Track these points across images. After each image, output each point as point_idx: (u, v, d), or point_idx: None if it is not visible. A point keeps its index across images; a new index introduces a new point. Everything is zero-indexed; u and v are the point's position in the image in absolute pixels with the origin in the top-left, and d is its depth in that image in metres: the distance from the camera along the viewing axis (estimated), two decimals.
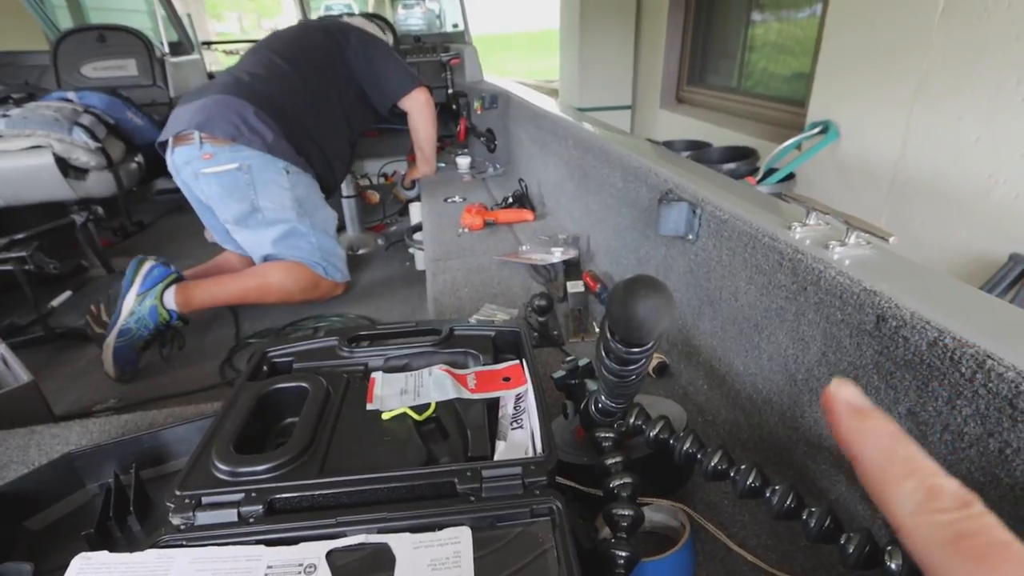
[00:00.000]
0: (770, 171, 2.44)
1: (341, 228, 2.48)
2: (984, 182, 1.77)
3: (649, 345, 0.33)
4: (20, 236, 1.78)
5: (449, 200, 1.79)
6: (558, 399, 0.64)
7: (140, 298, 1.50)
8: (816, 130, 2.41)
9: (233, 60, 2.18)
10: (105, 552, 0.43)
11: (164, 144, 1.60)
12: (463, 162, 2.15)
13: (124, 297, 1.48)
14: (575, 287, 1.05)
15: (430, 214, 1.67)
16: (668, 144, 2.96)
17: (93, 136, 1.97)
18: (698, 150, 2.95)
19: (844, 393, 0.21)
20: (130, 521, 0.59)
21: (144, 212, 2.79)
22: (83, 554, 0.42)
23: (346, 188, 2.21)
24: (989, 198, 1.76)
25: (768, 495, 0.45)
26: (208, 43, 3.71)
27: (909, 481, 0.18)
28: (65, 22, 3.51)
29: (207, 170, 1.54)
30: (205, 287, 1.62)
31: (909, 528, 0.17)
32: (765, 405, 0.63)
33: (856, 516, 0.51)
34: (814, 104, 2.47)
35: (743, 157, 2.73)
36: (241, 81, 1.60)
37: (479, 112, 2.28)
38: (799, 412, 0.58)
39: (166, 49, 2.90)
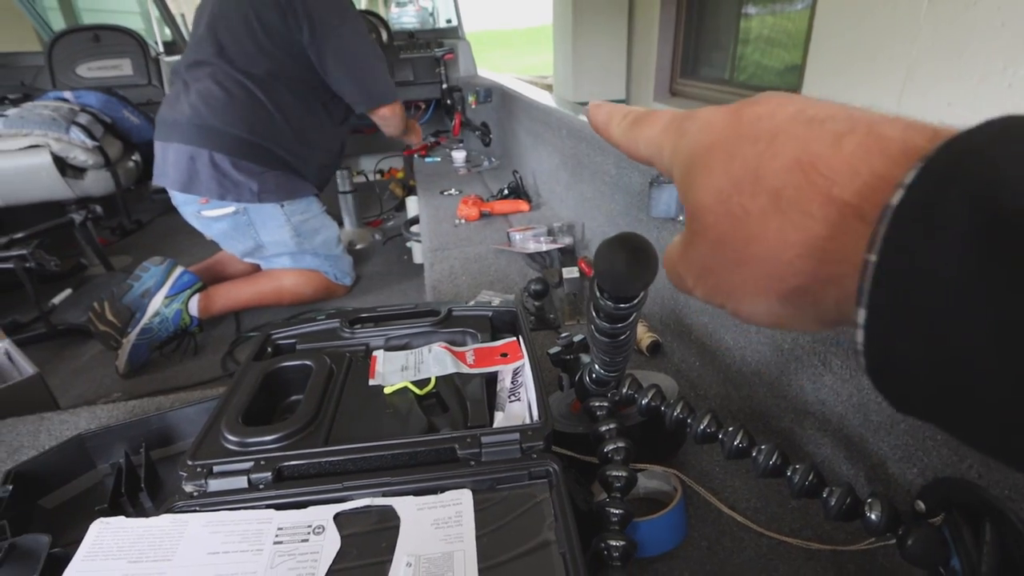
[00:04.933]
0: None
1: (339, 224, 2.50)
2: None
3: (636, 299, 0.35)
4: (20, 235, 1.79)
5: (445, 193, 1.81)
6: (555, 375, 0.67)
7: (168, 300, 1.55)
8: None
9: None
10: (122, 517, 0.45)
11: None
12: (459, 156, 2.16)
13: (153, 297, 1.52)
14: (570, 273, 1.07)
15: (427, 207, 1.69)
16: None
17: (90, 135, 1.98)
18: None
19: (597, 111, 0.27)
20: (141, 498, 0.61)
21: (142, 211, 2.80)
22: (101, 519, 0.44)
23: (343, 184, 2.23)
24: None
25: (755, 455, 0.47)
26: None
27: (614, 120, 0.26)
28: (57, 23, 3.51)
29: (206, 213, 1.59)
30: (225, 295, 1.69)
31: (624, 145, 0.26)
32: (754, 376, 0.65)
33: (841, 475, 0.54)
34: (806, 93, 2.49)
35: None
36: (203, 122, 1.47)
37: (474, 106, 2.29)
38: (786, 381, 0.60)
39: (161, 48, 2.90)
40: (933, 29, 1.85)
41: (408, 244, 2.04)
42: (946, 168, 0.14)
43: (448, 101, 2.48)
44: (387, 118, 1.78)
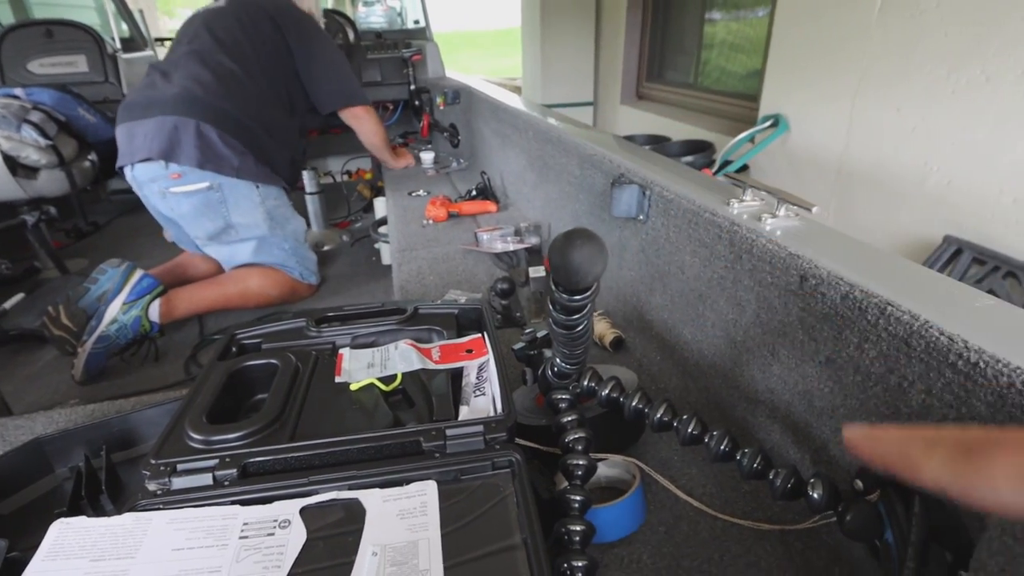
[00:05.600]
0: (726, 163, 2.54)
1: (307, 226, 2.47)
2: (921, 170, 1.89)
3: (589, 291, 0.37)
4: None
5: (414, 194, 1.81)
6: (520, 370, 0.68)
7: (126, 307, 1.48)
8: (768, 123, 2.51)
9: None
10: (83, 517, 0.44)
11: (121, 168, 1.58)
12: (427, 157, 2.16)
13: (109, 303, 1.46)
14: (536, 272, 1.09)
15: (395, 207, 1.69)
16: (629, 139, 3.03)
17: (43, 134, 1.92)
18: (658, 144, 3.04)
19: (855, 433, 0.22)
20: (102, 500, 0.60)
21: (99, 212, 2.71)
22: (61, 520, 0.44)
23: (309, 185, 2.20)
24: (925, 185, 1.88)
25: (707, 441, 0.50)
26: (162, 40, 3.62)
27: (931, 457, 0.18)
28: (6, 17, 3.38)
29: (176, 189, 1.53)
30: (187, 298, 1.62)
31: (958, 489, 0.17)
32: (710, 369, 0.68)
33: (789, 459, 0.57)
34: (765, 98, 2.57)
35: (700, 150, 2.82)
36: (194, 96, 1.51)
37: (442, 107, 2.30)
38: (739, 372, 0.63)
39: (118, 45, 2.82)
40: (883, 37, 1.93)
41: (376, 245, 2.03)
42: None
43: (416, 102, 2.48)
44: (361, 118, 1.88)
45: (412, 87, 2.48)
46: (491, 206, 1.56)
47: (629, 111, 3.99)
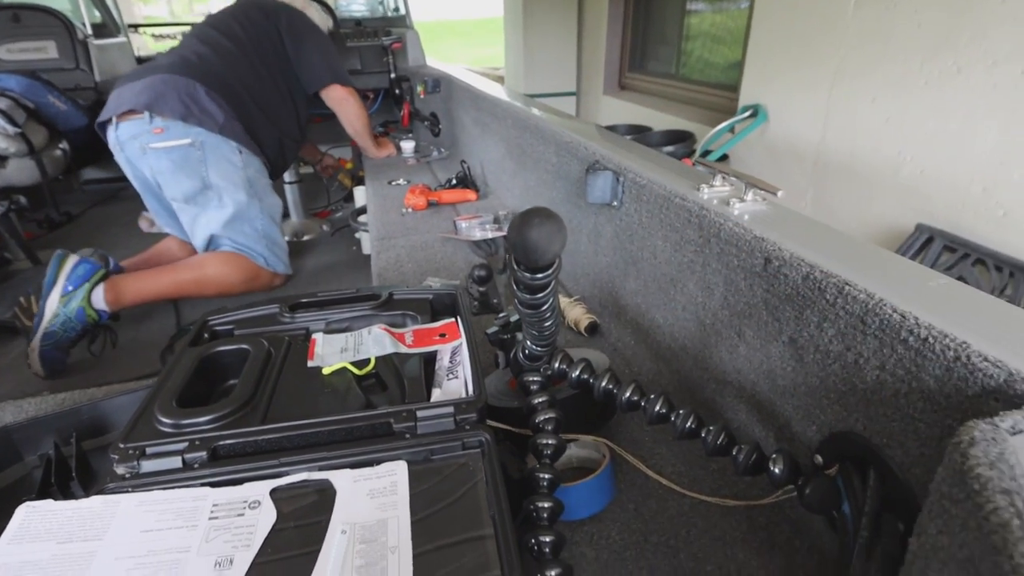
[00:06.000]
0: (706, 153, 2.56)
1: (285, 215, 2.44)
2: (894, 159, 1.92)
3: (550, 269, 0.37)
4: None
5: (393, 183, 1.80)
6: (494, 355, 0.69)
7: (65, 299, 1.39)
8: (747, 113, 2.53)
9: (163, 45, 2.10)
10: (49, 500, 0.44)
11: (103, 125, 1.54)
12: (407, 146, 2.15)
13: (46, 298, 1.39)
14: None
15: (375, 196, 1.68)
16: (611, 129, 3.04)
17: (11, 121, 1.87)
18: (639, 134, 3.05)
19: None
20: (73, 487, 0.60)
21: (72, 203, 2.65)
22: (27, 503, 0.44)
23: (289, 174, 2.18)
24: (899, 174, 1.91)
25: (673, 419, 0.51)
26: (135, 26, 3.54)
27: None
28: None
29: (157, 144, 1.48)
30: (137, 283, 1.53)
31: None
32: (681, 351, 0.69)
33: (753, 437, 0.58)
34: (745, 89, 2.59)
35: (680, 140, 2.84)
36: (188, 60, 1.55)
37: (422, 96, 2.28)
38: (707, 353, 0.64)
39: (89, 31, 2.75)
40: (859, 28, 1.96)
41: (357, 235, 2.02)
42: None
43: (397, 91, 2.46)
44: (345, 100, 1.87)
45: (392, 75, 2.45)
46: (471, 195, 1.56)
47: (611, 101, 4.00)
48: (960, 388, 0.35)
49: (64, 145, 2.15)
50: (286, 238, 1.82)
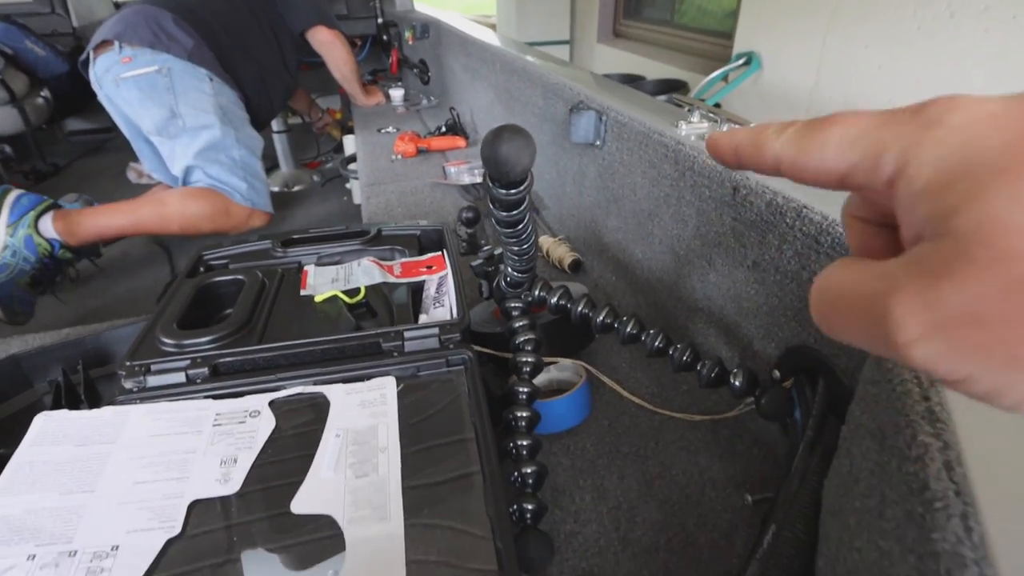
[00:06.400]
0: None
1: (275, 166, 2.43)
2: (885, 107, 1.91)
3: (522, 185, 0.40)
4: None
5: (383, 131, 1.79)
6: (478, 287, 0.72)
7: (11, 228, 1.35)
8: (741, 61, 2.50)
9: None
10: (65, 410, 0.48)
11: (85, 65, 1.52)
12: (396, 94, 2.13)
13: None
14: None
15: (364, 144, 1.68)
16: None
17: None
18: (632, 83, 3.01)
19: (722, 139, 0.21)
20: (82, 409, 0.63)
21: (57, 154, 2.62)
22: (44, 413, 0.47)
23: (277, 123, 2.16)
24: None
25: (644, 338, 0.55)
26: None
27: (766, 135, 0.19)
28: None
29: (126, 74, 1.46)
30: (93, 217, 1.47)
31: (795, 158, 0.19)
32: (658, 284, 0.73)
33: (721, 356, 0.62)
34: (739, 36, 2.55)
35: (674, 89, 2.81)
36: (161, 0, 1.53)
37: (411, 43, 2.24)
38: (681, 283, 0.67)
39: None
40: None
41: (348, 185, 2.02)
42: None
43: (384, 37, 2.41)
44: (332, 43, 1.85)
45: (380, 21, 2.40)
46: (460, 141, 1.56)
47: (605, 50, 3.92)
48: None
49: (46, 93, 2.11)
50: (275, 188, 1.81)
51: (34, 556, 0.37)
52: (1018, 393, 0.14)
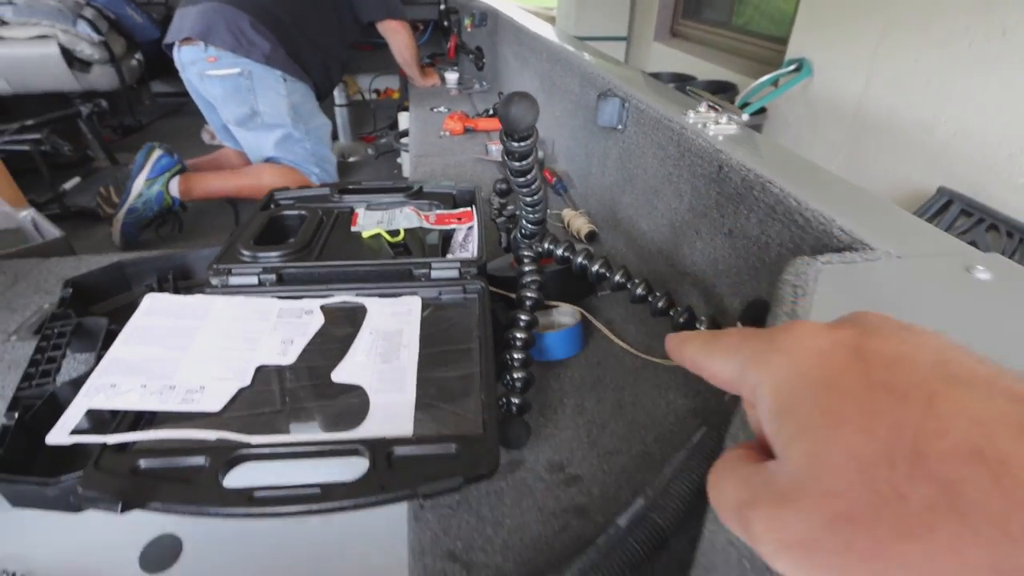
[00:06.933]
0: (744, 105, 2.57)
1: (334, 136, 2.60)
2: (929, 121, 1.93)
3: (529, 138, 0.50)
4: (30, 122, 1.90)
5: (435, 110, 1.92)
6: (498, 238, 0.83)
7: (149, 183, 1.66)
8: (792, 67, 2.52)
9: None
10: (166, 293, 0.62)
11: (170, 45, 1.71)
12: (451, 77, 2.25)
13: (134, 180, 1.64)
14: None
15: (416, 120, 1.81)
16: (655, 76, 3.05)
17: (96, 29, 2.05)
18: (682, 83, 3.05)
19: (671, 343, 0.24)
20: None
21: (142, 113, 2.87)
22: (151, 293, 0.61)
23: (339, 97, 2.32)
24: (931, 136, 1.93)
25: (630, 287, 0.65)
26: None
27: (691, 339, 0.23)
28: None
29: (212, 72, 1.66)
30: (205, 181, 1.79)
31: (700, 360, 0.22)
32: (658, 253, 0.82)
33: (693, 307, 0.72)
34: (793, 42, 2.57)
35: (723, 91, 2.84)
36: None
37: (469, 29, 2.35)
38: (675, 251, 0.77)
39: None
40: None
41: (399, 159, 2.16)
42: None
43: (445, 23, 2.54)
44: (398, 32, 1.99)
45: (442, 7, 2.52)
46: None
47: (661, 48, 3.95)
48: (830, 246, 0.48)
49: (139, 56, 2.33)
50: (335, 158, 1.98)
51: (145, 386, 0.51)
52: None
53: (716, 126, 0.72)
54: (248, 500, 0.42)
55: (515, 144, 0.51)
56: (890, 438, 0.15)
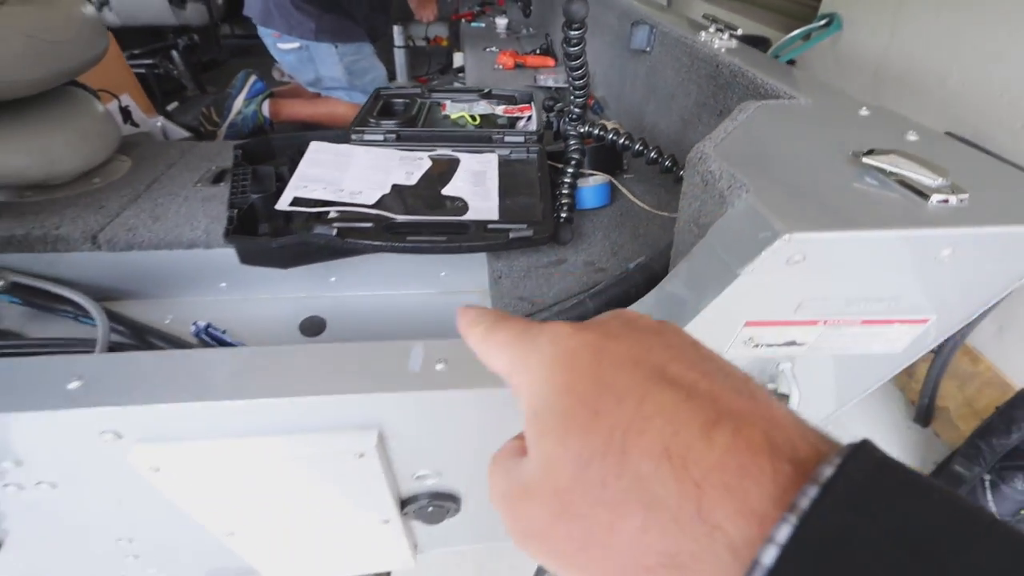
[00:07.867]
0: (774, 58, 2.71)
1: (392, 77, 2.85)
2: (943, 71, 2.08)
3: (581, 29, 0.75)
4: (137, 51, 2.20)
5: (487, 49, 2.15)
6: (546, 121, 1.09)
7: (247, 103, 1.95)
8: (823, 21, 2.65)
9: None
10: (325, 142, 0.90)
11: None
12: (501, 22, 2.47)
13: (235, 99, 1.94)
14: None
15: (471, 57, 2.05)
16: None
17: None
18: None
19: (461, 325, 0.26)
20: None
21: (215, 52, 3.16)
22: (315, 141, 0.89)
23: (398, 38, 2.56)
24: (944, 86, 2.08)
25: (642, 150, 0.90)
26: None
27: (474, 325, 0.25)
28: None
29: (281, 46, 1.93)
30: (290, 105, 2.06)
31: (481, 352, 0.24)
32: (672, 144, 1.07)
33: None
34: None
35: (756, 45, 2.97)
36: None
37: None
38: (683, 138, 1.01)
39: None
40: None
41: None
42: (818, 546, 0.13)
43: None
44: None
45: None
46: (550, 61, 1.90)
47: (702, 6, 4.03)
48: (736, 86, 0.73)
49: None
50: None
51: (325, 188, 0.79)
52: None
53: (720, 41, 0.96)
54: (403, 239, 0.70)
55: (572, 32, 0.76)
56: (605, 435, 0.17)
